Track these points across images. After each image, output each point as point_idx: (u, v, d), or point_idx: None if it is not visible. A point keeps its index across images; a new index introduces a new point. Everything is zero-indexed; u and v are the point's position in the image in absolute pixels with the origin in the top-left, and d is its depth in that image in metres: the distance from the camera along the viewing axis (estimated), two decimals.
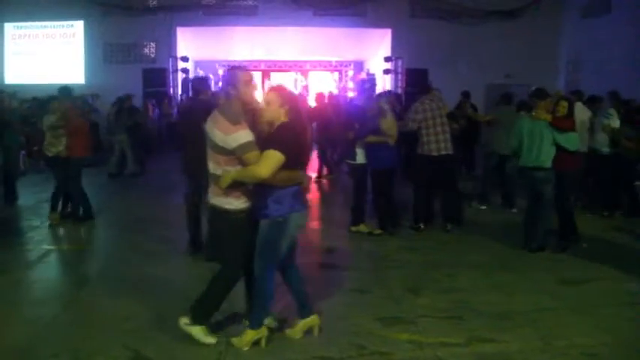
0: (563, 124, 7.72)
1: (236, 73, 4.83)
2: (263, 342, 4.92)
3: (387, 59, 23.31)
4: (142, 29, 22.79)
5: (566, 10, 23.44)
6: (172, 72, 22.72)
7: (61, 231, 9.47)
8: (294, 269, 5.20)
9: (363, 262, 7.97)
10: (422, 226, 9.22)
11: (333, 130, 12.75)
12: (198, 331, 4.94)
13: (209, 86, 8.15)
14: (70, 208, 9.84)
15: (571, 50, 23.03)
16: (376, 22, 23.43)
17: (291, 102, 4.76)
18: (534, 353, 4.86)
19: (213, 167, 4.80)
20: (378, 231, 9.06)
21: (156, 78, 22.20)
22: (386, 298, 6.31)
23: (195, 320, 4.95)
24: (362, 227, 9.13)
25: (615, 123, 10.00)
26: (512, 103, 10.99)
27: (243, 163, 4.59)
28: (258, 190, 4.74)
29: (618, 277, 7.03)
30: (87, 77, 22.85)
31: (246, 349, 4.85)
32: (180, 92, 22.17)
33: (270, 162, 4.47)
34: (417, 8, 23.25)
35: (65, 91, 10.45)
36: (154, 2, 22.73)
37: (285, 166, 4.55)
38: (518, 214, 9.47)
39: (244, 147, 4.53)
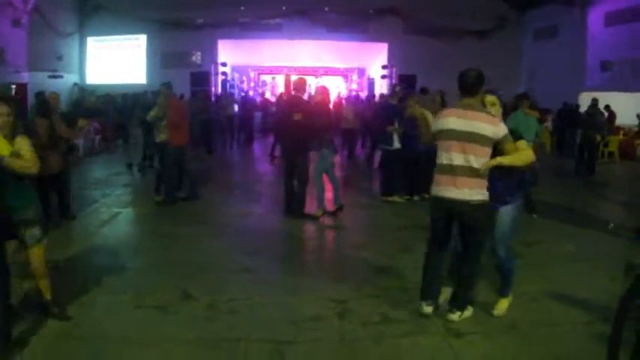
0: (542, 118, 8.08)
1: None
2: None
3: (384, 67, 23.28)
4: (190, 41, 22.97)
5: (524, 33, 23.81)
6: (214, 75, 22.92)
7: (129, 198, 9.55)
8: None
9: (364, 226, 8.05)
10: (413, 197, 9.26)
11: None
12: (469, 314, 4.50)
13: (304, 88, 8.28)
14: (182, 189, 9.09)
15: (527, 64, 23.16)
16: (376, 38, 23.42)
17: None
18: (495, 300, 4.83)
19: (474, 161, 4.10)
20: (407, 197, 9.14)
21: (201, 79, 22.48)
22: (380, 253, 6.34)
23: (463, 309, 4.46)
24: (395, 197, 9.13)
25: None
26: None
27: (502, 152, 4.10)
28: (500, 179, 4.24)
29: (560, 239, 7.07)
30: (148, 79, 23.02)
31: (501, 313, 4.54)
32: (220, 90, 22.22)
33: (530, 151, 4.18)
34: (408, 27, 23.21)
35: (167, 85, 9.09)
36: (201, 20, 22.80)
37: None
38: None
39: (507, 137, 4.11)
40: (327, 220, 7.97)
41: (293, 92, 8.18)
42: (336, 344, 4.07)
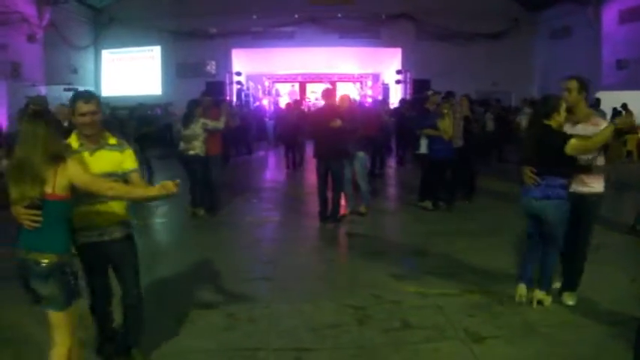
0: None
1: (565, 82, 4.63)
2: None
3: (398, 72, 23.23)
4: (204, 51, 23.15)
5: (538, 33, 23.51)
6: (228, 84, 22.97)
7: (145, 209, 9.58)
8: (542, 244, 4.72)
9: (380, 232, 8.02)
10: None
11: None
12: (541, 296, 4.75)
13: (334, 96, 8.41)
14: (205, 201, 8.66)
15: (541, 64, 22.96)
16: (389, 43, 23.39)
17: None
18: (510, 300, 4.85)
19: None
20: (428, 204, 8.75)
21: (216, 89, 22.42)
22: (398, 259, 6.34)
23: (547, 290, 4.74)
24: (426, 203, 8.80)
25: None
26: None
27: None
28: None
29: None
30: (163, 90, 23.27)
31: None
32: (235, 99, 22.21)
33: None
34: (421, 31, 23.14)
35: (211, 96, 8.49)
36: (214, 30, 22.96)
37: None
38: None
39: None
40: (344, 227, 7.98)
41: (324, 101, 8.33)
42: (357, 351, 4.06)
